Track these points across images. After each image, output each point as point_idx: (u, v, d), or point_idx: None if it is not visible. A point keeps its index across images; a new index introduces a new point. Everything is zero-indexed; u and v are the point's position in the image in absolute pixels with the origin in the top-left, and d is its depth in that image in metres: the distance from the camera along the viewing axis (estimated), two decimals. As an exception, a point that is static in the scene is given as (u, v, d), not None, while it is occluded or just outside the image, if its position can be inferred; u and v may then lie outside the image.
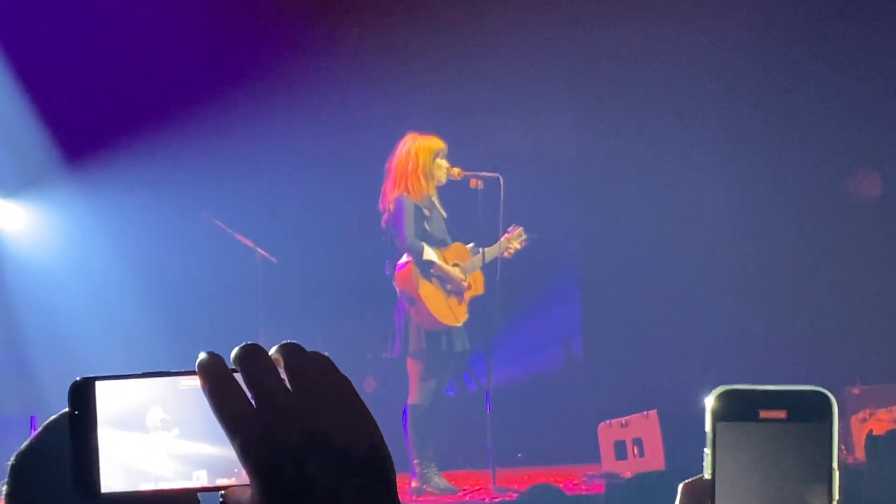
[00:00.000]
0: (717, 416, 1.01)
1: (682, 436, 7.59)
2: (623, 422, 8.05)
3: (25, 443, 1.67)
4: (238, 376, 1.03)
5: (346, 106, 9.35)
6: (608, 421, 8.14)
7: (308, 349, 1.07)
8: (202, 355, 1.05)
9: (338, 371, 1.05)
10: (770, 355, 9.13)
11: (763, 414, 1.01)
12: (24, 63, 8.90)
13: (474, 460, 8.42)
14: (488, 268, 7.83)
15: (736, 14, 9.49)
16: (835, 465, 1.00)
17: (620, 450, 8.01)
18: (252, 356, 1.04)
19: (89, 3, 9.00)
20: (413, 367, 7.68)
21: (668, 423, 7.82)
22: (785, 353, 9.16)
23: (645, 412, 7.94)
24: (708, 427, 1.02)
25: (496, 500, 7.47)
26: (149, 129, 9.10)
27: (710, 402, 1.02)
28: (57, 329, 8.80)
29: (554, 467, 8.75)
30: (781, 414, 1.01)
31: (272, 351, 1.05)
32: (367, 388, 9.16)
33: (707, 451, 1.02)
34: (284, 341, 1.06)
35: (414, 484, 7.63)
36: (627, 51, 9.57)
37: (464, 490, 7.75)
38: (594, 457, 8.26)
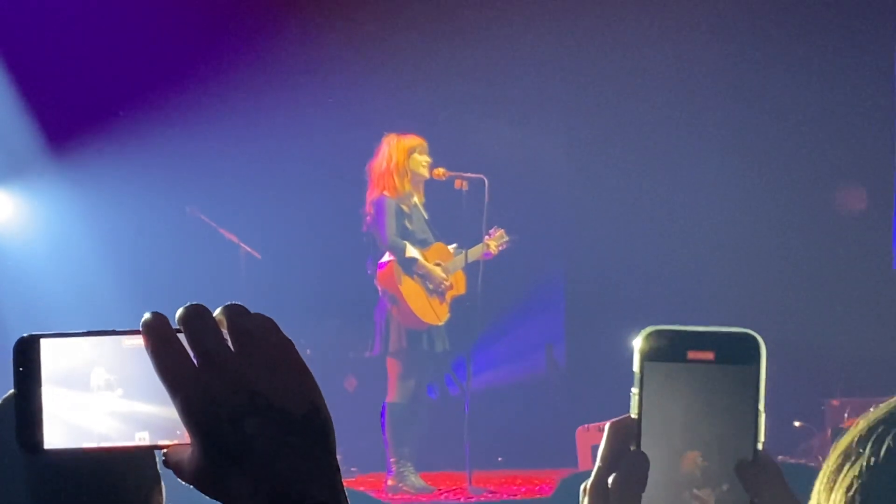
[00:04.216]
0: (646, 357, 1.00)
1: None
2: (601, 426, 8.05)
3: None
4: (182, 337, 1.05)
5: (332, 106, 9.35)
6: (586, 425, 8.16)
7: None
8: (147, 315, 1.06)
9: (281, 333, 1.06)
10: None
11: (691, 355, 1.00)
12: (8, 50, 8.88)
13: (453, 462, 8.42)
14: (471, 269, 7.85)
15: (728, 21, 9.52)
16: (761, 407, 0.99)
17: (597, 454, 8.01)
18: (195, 316, 1.05)
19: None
20: (392, 366, 7.70)
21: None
22: (769, 366, 9.16)
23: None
24: (636, 367, 1.00)
25: (471, 500, 7.50)
26: (136, 123, 9.09)
27: (638, 342, 1.00)
28: (38, 320, 8.78)
29: (531, 470, 8.75)
30: (709, 355, 1.00)
31: (216, 312, 1.06)
32: (348, 387, 9.15)
33: (634, 390, 1.01)
34: (229, 302, 1.07)
35: (390, 482, 7.63)
36: (619, 55, 9.58)
37: (440, 490, 7.77)
38: (572, 461, 8.27)
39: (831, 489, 1.40)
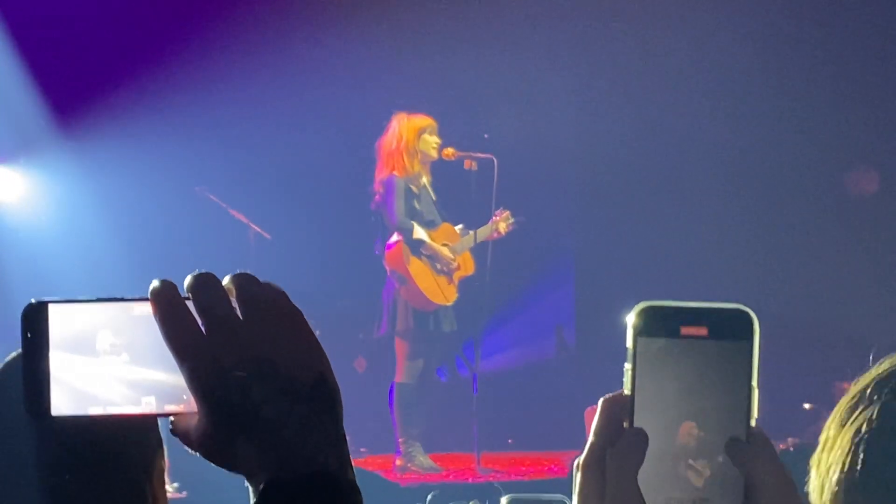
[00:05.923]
0: (639, 332, 1.00)
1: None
2: (609, 408, 8.05)
3: None
4: (191, 304, 1.04)
5: (342, 86, 9.33)
6: (595, 406, 8.15)
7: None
8: (155, 282, 1.05)
9: (289, 302, 1.05)
10: (763, 349, 9.09)
11: (684, 330, 0.99)
12: (17, 27, 8.86)
13: (462, 443, 8.43)
14: (479, 250, 7.84)
15: (739, 5, 9.49)
16: (754, 383, 0.99)
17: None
18: (204, 284, 1.04)
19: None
20: (400, 347, 7.70)
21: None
22: (779, 348, 9.14)
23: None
24: (629, 343, 1.00)
25: (479, 480, 7.50)
26: (146, 102, 9.07)
27: (631, 317, 1.00)
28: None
29: (541, 452, 8.76)
30: (703, 331, 0.99)
31: (225, 280, 1.05)
32: (358, 367, 9.15)
33: (627, 366, 1.00)
34: (238, 271, 1.07)
35: (398, 462, 7.64)
36: (631, 35, 9.55)
37: (448, 470, 7.78)
38: (581, 443, 8.26)
39: (842, 426, 1.39)
